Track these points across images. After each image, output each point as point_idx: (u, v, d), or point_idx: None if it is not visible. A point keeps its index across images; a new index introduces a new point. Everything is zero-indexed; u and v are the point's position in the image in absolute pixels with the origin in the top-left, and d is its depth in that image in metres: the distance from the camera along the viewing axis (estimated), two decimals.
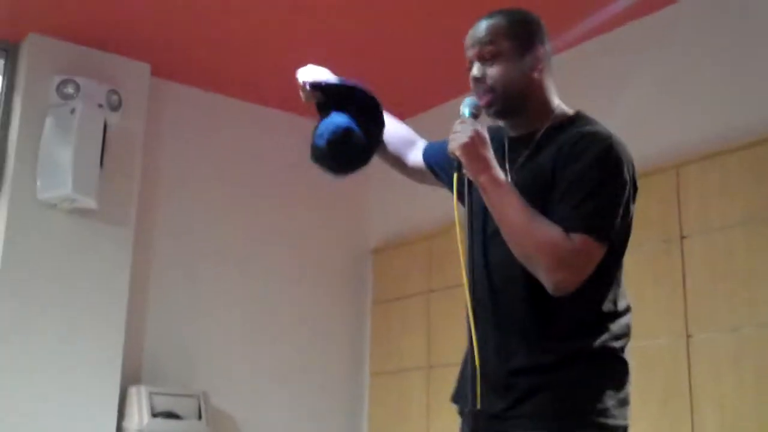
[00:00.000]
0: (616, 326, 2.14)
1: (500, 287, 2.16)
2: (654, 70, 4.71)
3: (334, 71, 2.53)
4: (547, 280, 2.02)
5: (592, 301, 2.12)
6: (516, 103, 2.21)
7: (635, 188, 2.17)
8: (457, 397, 2.24)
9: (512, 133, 2.28)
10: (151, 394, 4.99)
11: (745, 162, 4.11)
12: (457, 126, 2.13)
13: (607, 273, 2.14)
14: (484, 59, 2.21)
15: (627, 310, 2.20)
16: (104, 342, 5.00)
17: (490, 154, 2.11)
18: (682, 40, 4.64)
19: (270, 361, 5.69)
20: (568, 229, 2.02)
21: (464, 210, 2.14)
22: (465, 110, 2.17)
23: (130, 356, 5.13)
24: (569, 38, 4.71)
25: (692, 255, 4.19)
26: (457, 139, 2.10)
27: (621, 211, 2.09)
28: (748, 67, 4.35)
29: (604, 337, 2.11)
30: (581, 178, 2.06)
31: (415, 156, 2.59)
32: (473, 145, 2.09)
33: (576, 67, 4.79)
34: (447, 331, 5.26)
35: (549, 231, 2.02)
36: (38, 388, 4.75)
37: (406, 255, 5.80)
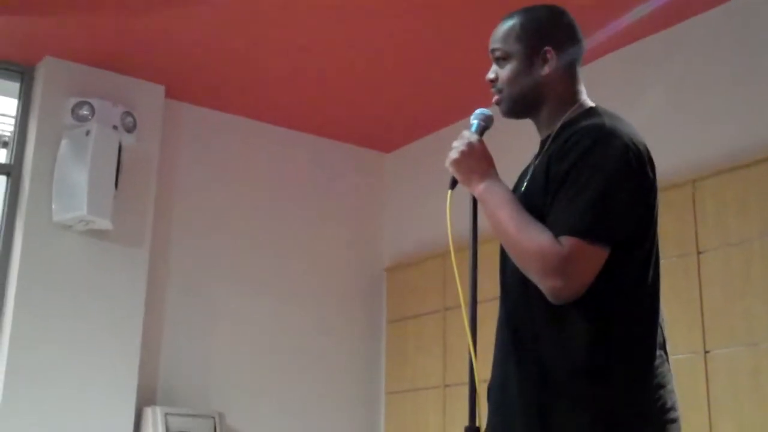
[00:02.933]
0: (631, 337, 1.98)
1: (511, 306, 2.11)
2: (670, 84, 4.70)
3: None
4: (542, 288, 1.93)
5: (599, 310, 1.96)
6: (523, 104, 2.20)
7: (646, 179, 2.02)
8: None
9: (539, 136, 2.25)
10: (166, 415, 4.99)
11: (763, 176, 4.09)
12: (455, 142, 2.15)
13: (618, 276, 1.97)
14: (497, 61, 2.22)
15: (646, 317, 2.02)
16: (120, 362, 5.00)
17: (483, 164, 2.11)
18: (698, 54, 4.63)
19: (285, 381, 5.68)
20: (557, 233, 1.92)
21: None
22: (473, 121, 2.20)
23: (146, 377, 5.13)
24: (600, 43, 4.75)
25: (709, 270, 4.17)
26: (450, 155, 2.12)
27: (621, 205, 1.95)
28: (764, 82, 4.33)
29: (614, 350, 1.95)
30: (568, 177, 1.96)
31: None
32: (462, 158, 2.11)
33: (591, 81, 4.78)
34: (462, 350, 5.19)
35: (537, 237, 1.93)
36: (54, 409, 4.76)
37: (420, 273, 5.78)
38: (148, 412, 5.01)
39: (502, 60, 2.20)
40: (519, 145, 2.47)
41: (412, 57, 5.08)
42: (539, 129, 2.24)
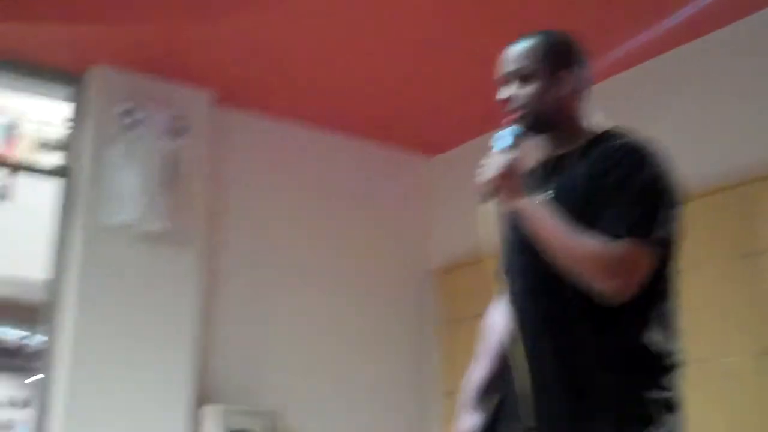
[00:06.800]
0: (667, 339, 2.13)
1: (546, 311, 2.19)
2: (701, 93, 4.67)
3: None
4: (601, 290, 2.03)
5: (643, 314, 2.11)
6: (544, 122, 2.28)
7: (679, 195, 2.18)
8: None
9: (548, 154, 2.34)
10: (224, 413, 5.09)
11: None
12: (487, 159, 2.22)
13: (659, 283, 2.14)
14: (517, 80, 2.27)
15: (676, 322, 2.19)
16: (176, 362, 5.09)
17: (521, 181, 2.19)
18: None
19: (339, 380, 5.73)
20: (613, 236, 2.04)
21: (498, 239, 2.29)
22: (504, 138, 2.25)
23: (203, 375, 5.21)
24: (619, 59, 4.74)
25: (766, 272, 4.11)
26: (486, 172, 2.19)
27: (665, 215, 2.11)
28: None
29: (656, 352, 2.10)
30: (622, 186, 2.09)
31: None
32: (502, 177, 2.18)
33: (626, 93, 4.80)
34: None
35: (592, 242, 2.04)
36: (112, 410, 4.86)
37: (471, 274, 5.77)
38: (207, 410, 5.10)
39: (524, 78, 2.26)
40: None
41: (457, 59, 5.07)
42: (550, 146, 2.33)
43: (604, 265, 2.01)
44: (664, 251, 2.10)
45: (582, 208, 2.12)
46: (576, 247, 2.05)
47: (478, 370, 2.44)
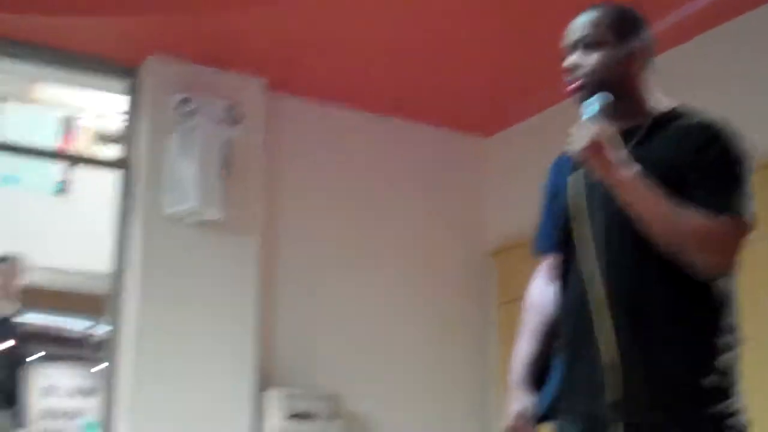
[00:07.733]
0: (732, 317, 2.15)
1: (624, 287, 2.15)
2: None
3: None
4: (704, 264, 2.03)
5: (719, 299, 2.12)
6: (608, 92, 2.19)
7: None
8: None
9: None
10: (286, 397, 5.14)
11: None
12: (576, 128, 2.14)
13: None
14: (583, 48, 2.23)
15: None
16: (238, 348, 5.15)
17: (615, 151, 2.10)
18: None
19: (399, 363, 5.74)
20: (716, 212, 2.04)
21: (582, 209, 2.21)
22: (593, 106, 2.17)
23: (264, 361, 5.26)
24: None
25: None
26: (578, 142, 2.12)
27: (751, 195, 2.13)
28: None
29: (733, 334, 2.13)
30: (719, 165, 2.10)
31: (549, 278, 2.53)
32: (595, 147, 2.09)
33: (695, 58, 4.72)
34: None
35: (697, 217, 2.03)
36: (177, 396, 4.94)
37: (527, 254, 5.73)
38: (269, 394, 5.16)
39: (591, 46, 2.22)
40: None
41: (512, 38, 5.03)
42: (613, 118, 2.21)
43: (710, 240, 2.03)
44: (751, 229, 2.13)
45: (667, 184, 2.08)
46: (681, 221, 2.04)
47: (524, 349, 2.40)
